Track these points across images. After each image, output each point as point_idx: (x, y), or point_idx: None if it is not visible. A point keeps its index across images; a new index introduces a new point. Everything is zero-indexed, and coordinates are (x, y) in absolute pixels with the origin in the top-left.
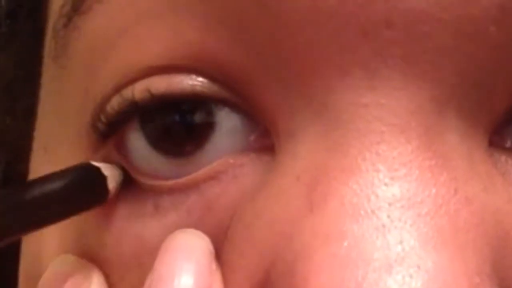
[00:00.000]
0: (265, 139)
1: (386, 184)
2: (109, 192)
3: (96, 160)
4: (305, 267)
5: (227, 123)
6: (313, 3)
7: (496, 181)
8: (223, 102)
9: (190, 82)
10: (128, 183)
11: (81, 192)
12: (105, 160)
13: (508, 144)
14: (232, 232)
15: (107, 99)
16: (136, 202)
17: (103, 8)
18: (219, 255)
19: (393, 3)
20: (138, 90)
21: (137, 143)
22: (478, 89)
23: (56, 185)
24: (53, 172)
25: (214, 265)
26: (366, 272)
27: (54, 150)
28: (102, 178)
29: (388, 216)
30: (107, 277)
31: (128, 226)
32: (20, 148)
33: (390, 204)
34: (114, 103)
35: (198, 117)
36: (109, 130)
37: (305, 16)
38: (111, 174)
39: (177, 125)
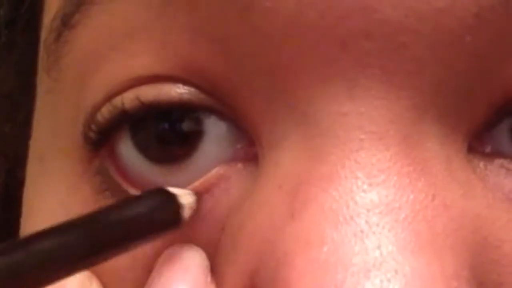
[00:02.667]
0: (251, 148)
1: (364, 191)
2: (184, 220)
3: (91, 171)
4: (287, 273)
5: (215, 131)
6: (293, 17)
7: (475, 186)
8: (211, 111)
9: (178, 91)
10: (122, 190)
11: (157, 220)
12: (99, 170)
13: (488, 150)
14: (221, 243)
15: (97, 108)
16: None
17: (92, 22)
18: (212, 267)
19: (370, 16)
20: (128, 99)
21: (128, 152)
22: (457, 97)
23: (133, 212)
24: (129, 198)
25: (209, 278)
26: (345, 277)
27: (48, 160)
28: (178, 206)
29: (367, 222)
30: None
31: None
32: (20, 156)
33: (368, 210)
34: (105, 112)
35: (186, 125)
36: (100, 139)
37: (286, 30)
38: (187, 201)
39: (167, 133)
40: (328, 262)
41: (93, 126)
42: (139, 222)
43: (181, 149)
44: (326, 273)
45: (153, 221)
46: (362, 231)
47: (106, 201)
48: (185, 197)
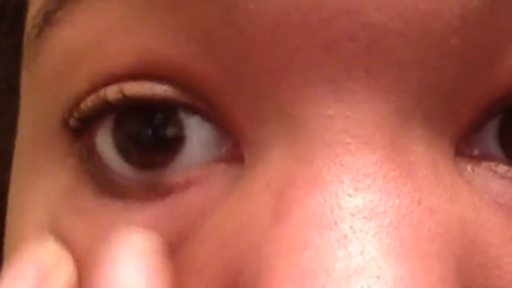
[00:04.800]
0: (236, 149)
1: (349, 195)
2: None
3: (69, 164)
4: (268, 278)
5: (198, 134)
6: (277, 19)
7: (461, 190)
8: (195, 112)
9: (163, 88)
10: (102, 176)
11: None
12: (77, 161)
13: (475, 153)
14: (202, 232)
15: (81, 97)
16: (107, 196)
17: (74, 20)
18: (195, 259)
19: (355, 18)
20: (112, 91)
21: (109, 153)
22: (443, 100)
23: None
24: None
25: (160, 262)
26: (325, 283)
27: (28, 155)
28: None
29: (351, 227)
30: (78, 262)
31: (97, 218)
32: (6, 160)
33: (352, 215)
34: (88, 101)
35: (169, 131)
36: (80, 126)
37: (271, 32)
38: None
39: (148, 139)
40: (309, 268)
41: (75, 113)
42: None
43: (162, 155)
44: (307, 279)
45: None
46: (345, 237)
47: (86, 187)
48: None
